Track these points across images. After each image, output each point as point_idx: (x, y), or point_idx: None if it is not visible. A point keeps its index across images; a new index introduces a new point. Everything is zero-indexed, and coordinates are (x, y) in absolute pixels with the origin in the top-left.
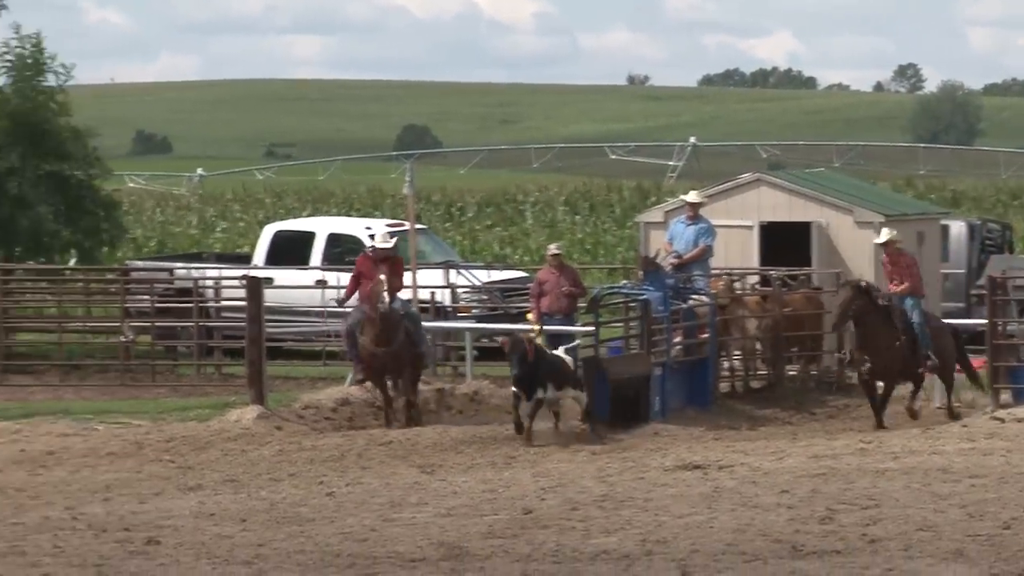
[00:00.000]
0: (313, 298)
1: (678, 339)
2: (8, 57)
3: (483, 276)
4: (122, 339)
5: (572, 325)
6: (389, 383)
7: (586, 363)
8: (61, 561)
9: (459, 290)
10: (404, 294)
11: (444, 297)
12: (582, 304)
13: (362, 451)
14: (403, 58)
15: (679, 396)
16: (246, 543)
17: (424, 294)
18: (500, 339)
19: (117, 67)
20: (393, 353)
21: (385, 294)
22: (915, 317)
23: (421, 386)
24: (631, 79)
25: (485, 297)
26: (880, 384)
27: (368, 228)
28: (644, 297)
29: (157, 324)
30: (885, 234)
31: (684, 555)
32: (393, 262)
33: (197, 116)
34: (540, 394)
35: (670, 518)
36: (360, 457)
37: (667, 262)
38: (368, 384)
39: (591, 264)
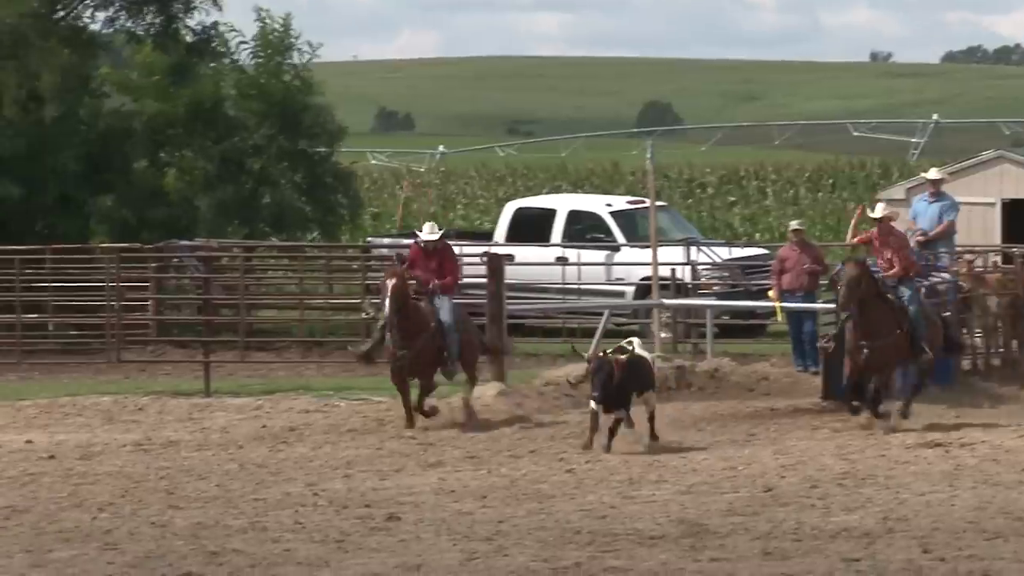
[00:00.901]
0: (554, 275)
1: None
2: (255, 37)
3: (724, 253)
4: (363, 316)
5: (813, 302)
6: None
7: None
8: (302, 537)
9: (700, 267)
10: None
11: (685, 274)
12: (823, 281)
13: (602, 427)
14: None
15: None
16: (486, 519)
17: (665, 271)
18: (587, 355)
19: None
20: (411, 356)
21: (387, 302)
22: (910, 303)
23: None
24: (873, 56)
25: (726, 274)
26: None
27: (609, 205)
28: None
29: None
30: (880, 209)
31: (925, 533)
32: (442, 256)
33: (439, 93)
34: (622, 413)
35: (911, 496)
36: (600, 433)
37: (912, 240)
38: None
39: (833, 242)
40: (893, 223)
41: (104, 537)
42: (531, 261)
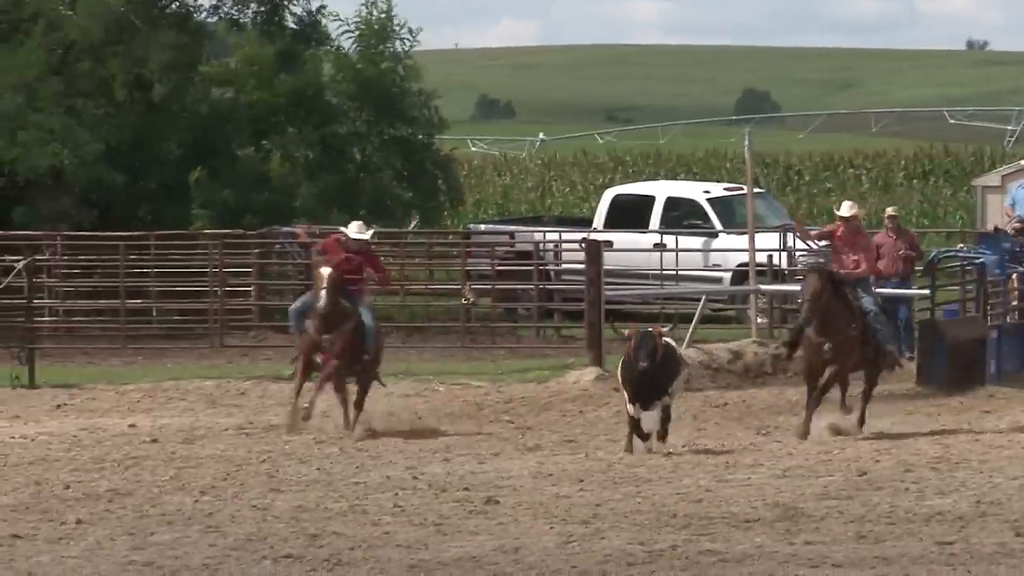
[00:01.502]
0: (651, 261)
1: (1014, 303)
2: (357, 23)
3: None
4: (463, 302)
5: (908, 288)
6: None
7: (922, 326)
8: (401, 520)
9: (796, 253)
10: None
11: (781, 260)
12: (919, 267)
13: (697, 412)
14: (742, 23)
15: (1015, 359)
16: (583, 503)
17: (761, 257)
18: (627, 331)
19: (461, 33)
20: (332, 341)
21: (323, 293)
22: (868, 303)
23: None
24: (970, 44)
25: (822, 260)
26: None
27: (706, 192)
28: (980, 261)
29: (498, 287)
30: (848, 208)
31: (1018, 517)
32: (366, 257)
33: (538, 81)
34: (658, 404)
35: (1004, 480)
36: (696, 419)
37: (1010, 227)
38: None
39: (928, 228)
40: (860, 220)
41: (206, 520)
42: (629, 247)
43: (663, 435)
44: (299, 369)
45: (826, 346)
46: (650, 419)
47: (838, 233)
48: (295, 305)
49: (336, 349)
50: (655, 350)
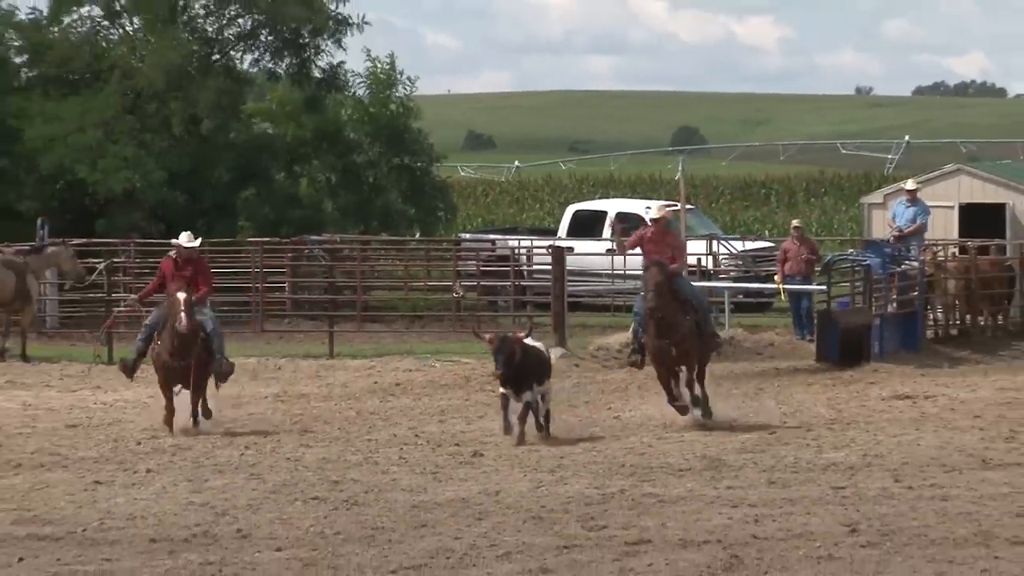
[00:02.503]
0: (604, 263)
1: (893, 296)
2: (368, 74)
3: (739, 246)
4: (454, 295)
5: (809, 284)
6: (177, 391)
7: (820, 315)
8: (405, 469)
9: (720, 257)
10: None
11: (708, 262)
12: (818, 268)
13: (642, 383)
14: (677, 73)
15: (894, 341)
16: (550, 456)
17: (692, 260)
18: (487, 336)
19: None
20: (186, 366)
21: (183, 315)
22: (687, 293)
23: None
24: (858, 89)
25: (740, 263)
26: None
27: (648, 208)
28: (867, 263)
29: (482, 284)
30: (656, 209)
31: (896, 466)
32: (197, 263)
33: (514, 120)
34: (528, 396)
35: (886, 437)
36: (640, 389)
37: (889, 235)
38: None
39: (825, 236)
40: (669, 221)
41: (250, 469)
42: (587, 252)
43: (542, 427)
44: (164, 392)
45: (672, 350)
46: (520, 409)
47: (648, 235)
48: (148, 321)
49: (194, 378)
50: (512, 354)
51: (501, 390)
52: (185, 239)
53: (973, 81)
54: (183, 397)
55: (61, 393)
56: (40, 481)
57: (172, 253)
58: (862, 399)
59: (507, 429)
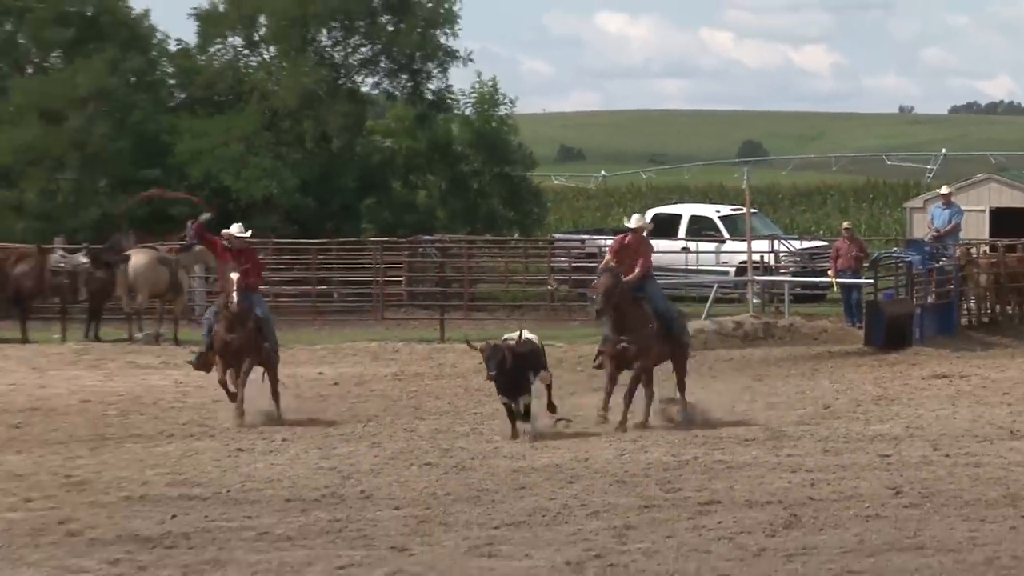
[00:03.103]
0: (680, 260)
1: (932, 288)
2: (474, 94)
3: (797, 244)
4: (549, 287)
5: (858, 278)
6: (239, 369)
7: (868, 305)
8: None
9: (780, 254)
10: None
11: (770, 259)
12: (866, 264)
13: (712, 365)
14: (741, 94)
15: (932, 328)
16: (633, 428)
17: (756, 257)
18: (479, 345)
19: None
20: (242, 340)
21: (235, 295)
22: (657, 300)
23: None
24: (900, 109)
25: (798, 259)
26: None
27: (718, 211)
28: (909, 260)
29: (573, 277)
30: (636, 220)
31: (935, 437)
32: (249, 254)
33: (600, 135)
34: (526, 399)
35: (925, 411)
36: (711, 369)
37: (928, 235)
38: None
39: (872, 236)
40: (646, 232)
41: (371, 439)
42: (664, 250)
43: (551, 404)
44: (218, 366)
45: (630, 346)
46: (521, 403)
47: (627, 241)
48: (206, 315)
49: (239, 354)
50: (502, 361)
51: (501, 398)
52: (236, 229)
53: (1002, 101)
54: (252, 386)
55: (209, 372)
56: (190, 449)
57: (225, 242)
58: (905, 378)
59: (513, 435)
